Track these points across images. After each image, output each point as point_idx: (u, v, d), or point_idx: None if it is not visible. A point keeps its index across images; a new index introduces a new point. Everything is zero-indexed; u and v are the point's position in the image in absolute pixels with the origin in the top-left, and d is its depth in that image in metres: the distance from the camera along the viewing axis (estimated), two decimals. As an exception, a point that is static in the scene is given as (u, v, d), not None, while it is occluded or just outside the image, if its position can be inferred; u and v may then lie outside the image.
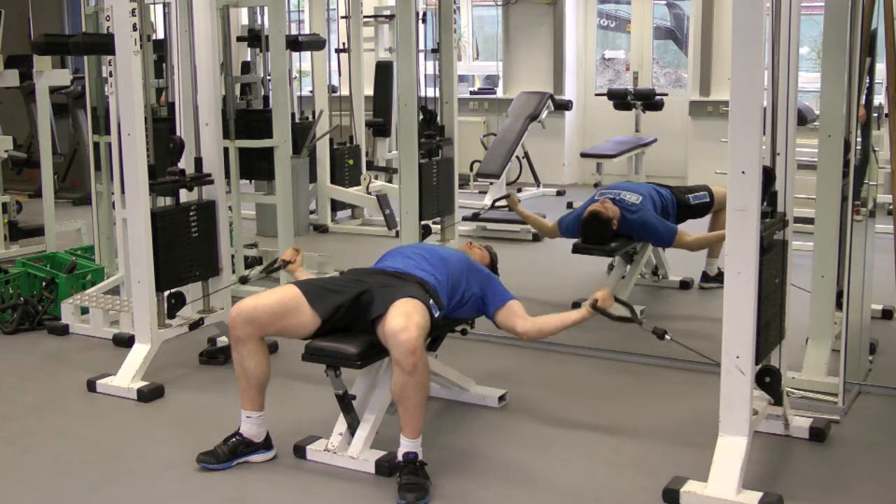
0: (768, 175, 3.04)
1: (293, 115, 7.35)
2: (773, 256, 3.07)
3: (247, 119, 5.78)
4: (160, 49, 5.51)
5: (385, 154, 8.74)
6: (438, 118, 5.34)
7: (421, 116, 5.12)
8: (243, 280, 4.12)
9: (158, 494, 3.15)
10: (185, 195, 4.29)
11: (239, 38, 7.08)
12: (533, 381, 4.14)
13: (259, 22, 6.59)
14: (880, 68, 3.88)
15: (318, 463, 3.30)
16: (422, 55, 5.60)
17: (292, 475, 3.25)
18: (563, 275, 5.86)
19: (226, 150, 5.10)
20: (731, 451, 2.94)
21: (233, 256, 4.81)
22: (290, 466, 3.31)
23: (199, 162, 4.32)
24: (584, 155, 8.27)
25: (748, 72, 2.81)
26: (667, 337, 3.19)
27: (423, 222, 4.98)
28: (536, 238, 7.00)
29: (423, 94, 5.46)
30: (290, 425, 3.54)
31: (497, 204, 6.10)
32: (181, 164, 4.30)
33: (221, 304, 4.44)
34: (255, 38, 6.63)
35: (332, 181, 7.55)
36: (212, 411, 3.84)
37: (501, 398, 3.83)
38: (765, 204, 2.98)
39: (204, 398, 4.01)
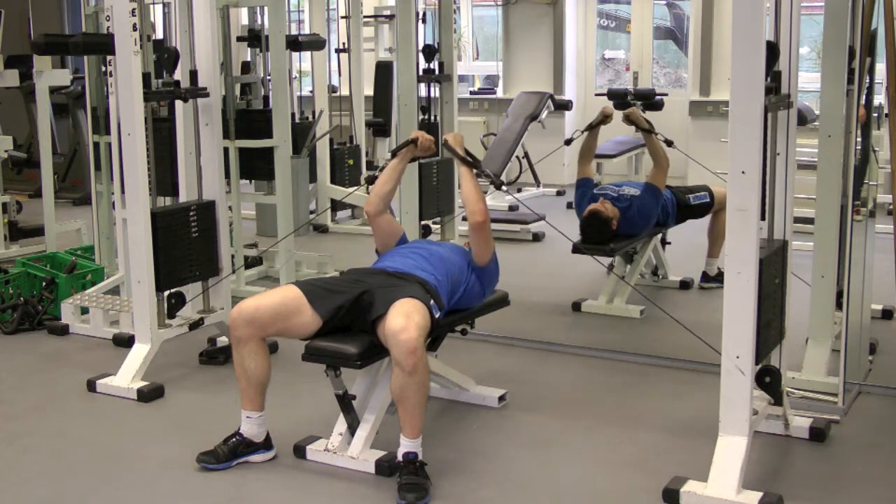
0: (772, 50, 3.00)
1: (293, 115, 7.35)
2: (773, 256, 3.07)
3: (247, 119, 5.78)
4: (160, 49, 5.51)
5: (385, 154, 8.74)
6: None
7: (421, 116, 5.13)
8: (370, 180, 3.71)
9: (158, 494, 3.15)
10: (184, 196, 4.30)
11: (239, 38, 7.08)
12: (533, 381, 4.14)
13: (259, 22, 6.60)
14: (880, 68, 3.88)
15: (318, 463, 3.30)
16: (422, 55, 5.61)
17: (292, 475, 3.25)
18: (563, 275, 5.86)
19: (226, 150, 5.10)
20: (731, 451, 2.94)
21: (233, 256, 4.81)
22: (290, 466, 3.31)
23: (194, 75, 4.28)
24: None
25: (748, 72, 2.81)
26: (504, 188, 3.62)
27: (423, 222, 4.98)
28: (536, 238, 7.01)
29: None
30: (290, 425, 3.54)
31: (592, 124, 5.37)
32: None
33: (221, 304, 4.44)
34: (255, 38, 6.63)
35: (332, 181, 7.55)
36: (212, 411, 3.84)
37: (501, 398, 3.83)
38: (769, 80, 2.93)
39: (204, 398, 4.01)
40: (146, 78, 4.06)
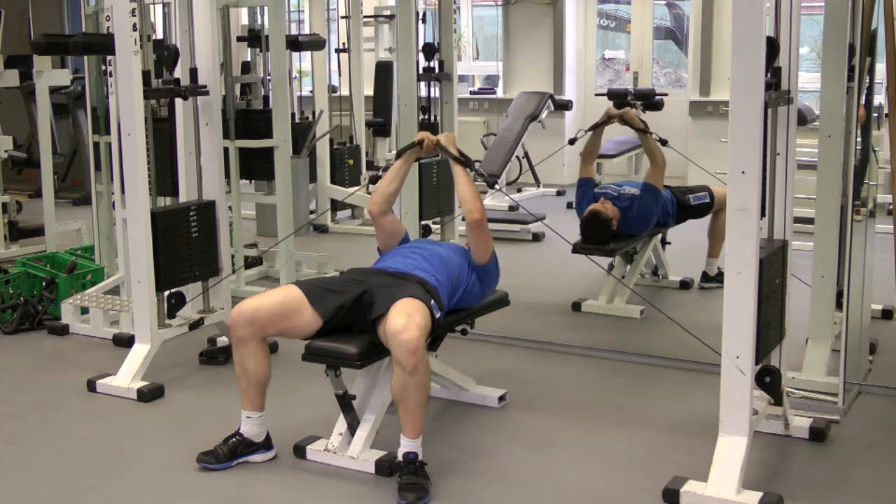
0: (772, 46, 2.99)
1: (293, 115, 7.35)
2: (773, 256, 3.07)
3: (247, 119, 5.78)
4: (160, 48, 5.51)
5: (385, 154, 8.74)
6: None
7: (421, 116, 5.13)
8: (374, 180, 3.76)
9: (158, 494, 3.15)
10: (184, 196, 4.30)
11: (239, 38, 7.07)
12: (533, 381, 4.14)
13: (259, 22, 6.59)
14: (880, 68, 3.87)
15: (318, 463, 3.29)
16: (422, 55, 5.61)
17: (292, 475, 3.25)
18: (563, 275, 5.86)
19: (226, 150, 5.10)
20: (731, 451, 2.94)
21: (233, 256, 4.81)
22: (290, 466, 3.31)
23: (193, 73, 4.28)
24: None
25: (748, 72, 2.81)
26: (497, 187, 3.74)
27: (423, 222, 4.98)
28: (536, 238, 7.01)
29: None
30: (290, 425, 3.54)
31: (595, 124, 5.35)
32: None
33: (221, 304, 4.44)
34: (255, 38, 6.63)
35: (332, 181, 7.55)
36: (212, 411, 3.84)
37: (501, 398, 3.83)
38: (769, 76, 2.93)
39: (204, 398, 4.01)
40: (146, 76, 4.06)
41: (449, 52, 5.53)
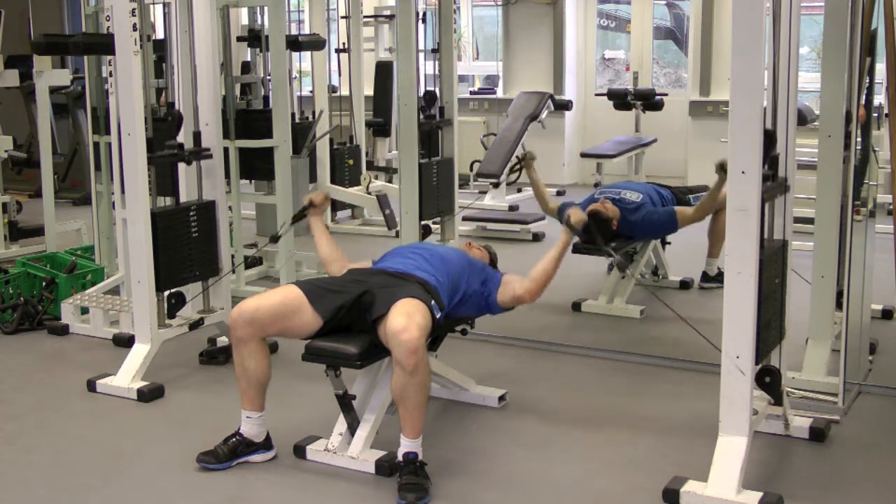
0: (769, 138, 3.01)
1: (293, 115, 7.34)
2: (773, 256, 3.07)
3: (247, 119, 5.78)
4: (160, 49, 5.51)
5: (385, 154, 8.73)
6: (438, 100, 5.37)
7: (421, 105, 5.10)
8: (274, 239, 4.10)
9: (158, 494, 3.15)
10: (184, 196, 4.29)
11: (239, 38, 7.07)
12: (533, 381, 4.14)
13: (259, 22, 6.59)
14: (880, 68, 3.87)
15: (318, 463, 3.30)
16: (422, 55, 5.60)
17: (292, 475, 3.25)
18: (563, 275, 5.81)
19: (226, 150, 5.10)
20: (731, 451, 2.94)
21: (233, 256, 4.81)
22: (290, 466, 3.31)
23: (197, 136, 4.30)
24: (584, 155, 8.27)
25: (748, 72, 2.81)
26: (628, 272, 3.23)
27: (423, 222, 4.97)
28: (536, 238, 7.01)
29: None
30: (290, 425, 3.54)
31: (515, 168, 5.69)
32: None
33: (221, 304, 4.44)
34: (255, 38, 6.62)
35: (332, 181, 7.55)
36: (212, 411, 3.84)
37: (501, 398, 3.83)
38: (766, 167, 2.95)
39: (204, 398, 4.01)
40: (150, 143, 4.09)
41: (450, 98, 5.44)
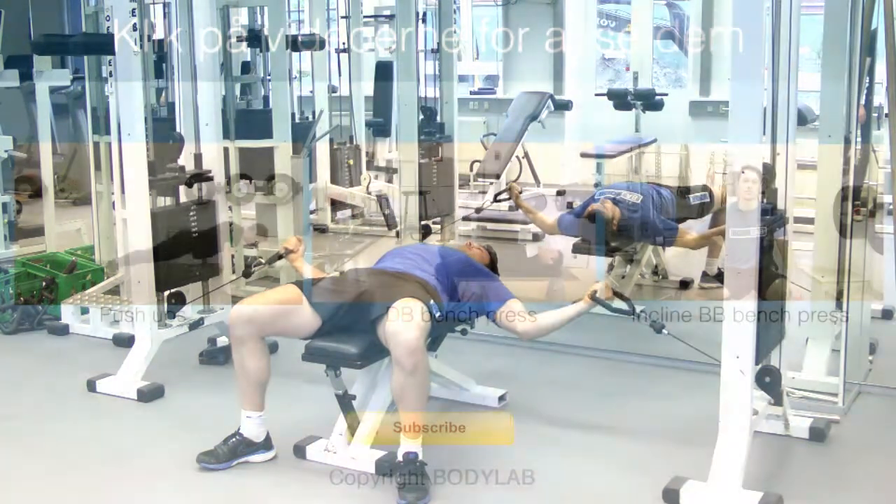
0: (768, 172, 3.03)
1: (293, 115, 7.34)
2: (772, 256, 3.07)
3: (247, 119, 5.77)
4: (160, 49, 5.51)
5: (385, 154, 8.73)
6: (438, 116, 5.34)
7: (421, 116, 5.12)
8: (246, 274, 4.10)
9: (158, 494, 3.15)
10: (184, 193, 4.29)
11: (239, 38, 7.07)
12: (533, 381, 4.14)
13: (259, 22, 6.59)
14: (880, 68, 3.87)
15: (318, 463, 3.29)
16: (422, 55, 5.60)
17: (292, 475, 3.25)
18: (563, 275, 5.85)
19: (226, 150, 5.10)
20: (731, 451, 2.93)
21: (233, 256, 4.80)
22: (290, 466, 3.31)
23: (198, 158, 4.30)
24: (584, 155, 8.26)
25: (748, 72, 2.80)
26: (664, 332, 3.20)
27: (423, 222, 4.97)
28: (536, 238, 7.00)
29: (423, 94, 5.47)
30: (290, 425, 3.53)
31: (500, 198, 6.02)
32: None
33: (221, 304, 4.43)
34: (255, 38, 6.62)
35: (332, 181, 7.54)
36: (212, 411, 3.84)
37: (501, 398, 3.83)
38: (765, 201, 2.97)
39: (204, 398, 4.01)
40: (151, 167, 4.10)
41: (450, 98, 5.43)
